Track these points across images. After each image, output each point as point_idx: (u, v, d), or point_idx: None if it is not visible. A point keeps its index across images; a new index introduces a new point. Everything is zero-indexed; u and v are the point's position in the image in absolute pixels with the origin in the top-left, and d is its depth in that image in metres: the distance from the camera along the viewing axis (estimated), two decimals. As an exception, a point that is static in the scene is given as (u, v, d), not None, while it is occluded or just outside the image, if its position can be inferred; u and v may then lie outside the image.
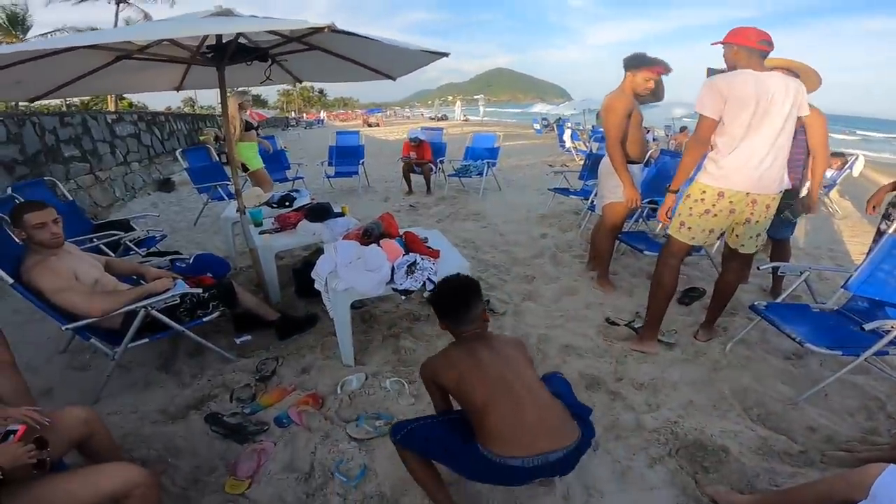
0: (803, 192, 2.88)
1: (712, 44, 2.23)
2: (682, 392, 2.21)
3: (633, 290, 3.33)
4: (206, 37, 2.67)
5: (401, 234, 2.74)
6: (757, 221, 2.29)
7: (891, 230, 2.31)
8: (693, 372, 2.37)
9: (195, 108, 21.92)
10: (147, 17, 23.01)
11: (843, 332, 2.15)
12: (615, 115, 2.91)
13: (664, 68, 2.94)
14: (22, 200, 3.17)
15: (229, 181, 6.11)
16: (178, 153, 6.27)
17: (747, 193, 2.21)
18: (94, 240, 3.43)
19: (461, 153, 7.51)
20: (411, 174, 6.83)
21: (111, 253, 3.40)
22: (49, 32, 20.91)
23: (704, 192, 2.26)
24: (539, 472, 1.38)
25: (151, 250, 3.81)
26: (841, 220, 5.51)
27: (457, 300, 1.54)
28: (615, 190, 3.09)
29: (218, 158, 6.91)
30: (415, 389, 2.24)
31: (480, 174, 6.73)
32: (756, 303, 2.34)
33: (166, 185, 8.11)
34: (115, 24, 22.02)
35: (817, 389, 2.10)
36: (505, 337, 1.72)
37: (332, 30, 1.90)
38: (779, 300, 2.54)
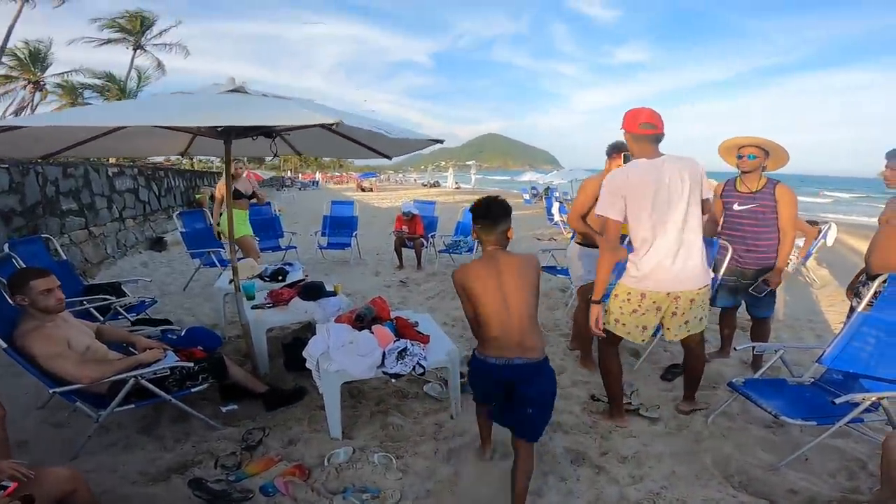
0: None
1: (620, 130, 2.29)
2: (666, 464, 2.24)
3: (617, 367, 3.39)
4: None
5: (392, 318, 2.87)
6: (683, 313, 2.32)
7: (860, 308, 2.44)
8: (676, 444, 2.40)
9: (193, 162, 22.23)
10: (160, 64, 24.33)
11: (819, 402, 2.23)
12: (584, 193, 3.17)
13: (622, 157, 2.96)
14: (19, 261, 3.26)
15: (223, 248, 6.25)
16: (175, 216, 6.34)
17: (668, 293, 2.26)
18: (85, 303, 3.47)
19: (452, 225, 7.74)
20: (403, 248, 7.00)
21: (100, 317, 3.43)
22: (66, 72, 21.92)
23: (629, 293, 2.32)
24: (504, 371, 1.82)
25: (141, 316, 3.83)
26: (819, 290, 5.70)
27: (488, 212, 1.89)
28: (588, 272, 3.21)
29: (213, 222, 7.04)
30: (402, 465, 2.23)
31: (470, 250, 6.91)
32: (734, 379, 2.45)
33: (158, 245, 8.12)
34: (130, 69, 23.26)
35: (797, 455, 2.16)
36: (519, 257, 1.94)
37: (342, 128, 2.03)
38: (757, 375, 2.63)
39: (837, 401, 1.99)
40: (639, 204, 2.14)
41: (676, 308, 2.30)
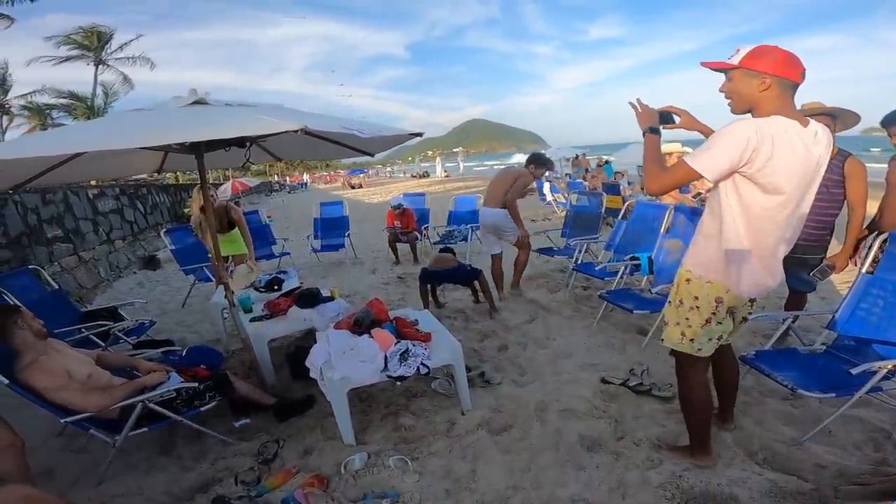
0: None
1: (712, 67, 1.66)
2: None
3: (624, 347, 3.37)
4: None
5: (391, 319, 2.83)
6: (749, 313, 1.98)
7: (863, 268, 2.42)
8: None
9: (178, 175, 21.81)
10: (127, 79, 23.70)
11: (834, 372, 2.19)
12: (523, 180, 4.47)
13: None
14: (11, 297, 3.19)
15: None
16: (162, 233, 6.24)
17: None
18: (83, 330, 3.41)
19: (444, 216, 7.68)
20: (397, 243, 6.95)
21: (101, 342, 3.37)
22: (30, 93, 21.38)
23: (697, 297, 1.79)
24: None
25: (142, 339, 3.78)
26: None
27: None
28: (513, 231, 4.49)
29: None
30: (418, 466, 2.20)
31: (465, 240, 6.85)
32: (745, 352, 2.38)
33: (152, 263, 8.01)
34: (95, 86, 22.61)
35: (820, 428, 2.12)
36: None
37: (305, 132, 1.84)
38: (768, 346, 2.59)
39: (854, 371, 1.94)
40: (783, 174, 1.56)
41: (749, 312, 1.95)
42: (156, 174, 4.41)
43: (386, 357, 2.48)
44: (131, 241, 8.47)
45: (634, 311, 3.32)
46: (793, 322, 2.54)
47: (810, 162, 1.58)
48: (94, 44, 22.43)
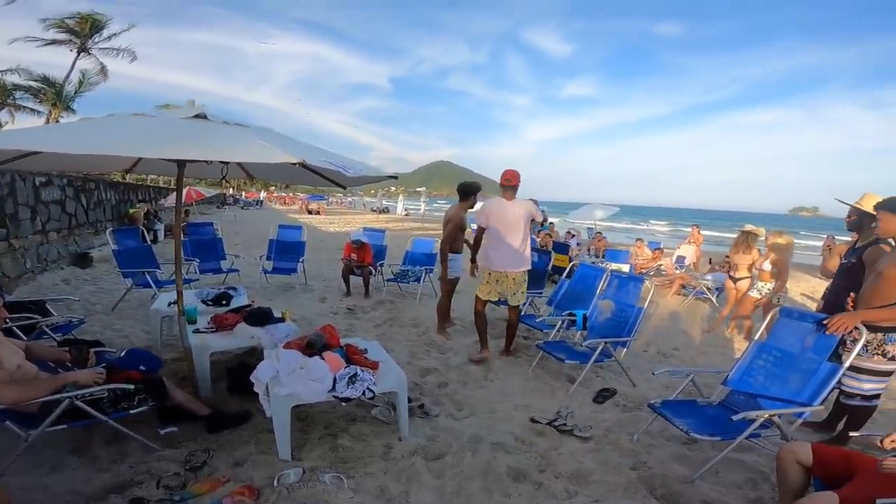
0: None
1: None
2: (597, 478, 2.46)
3: (554, 392, 3.66)
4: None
5: (342, 345, 2.96)
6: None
7: (757, 336, 2.89)
8: (607, 461, 2.64)
9: (126, 175, 20.79)
10: (104, 69, 22.70)
11: (723, 420, 2.55)
12: (453, 223, 4.76)
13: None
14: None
15: (159, 268, 5.98)
16: (108, 233, 6.01)
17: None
18: (9, 321, 3.23)
19: (401, 253, 7.84)
20: (351, 275, 7.00)
21: (23, 336, 3.21)
22: (4, 71, 20.14)
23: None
24: None
25: (68, 337, 3.61)
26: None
27: None
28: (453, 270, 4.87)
29: (148, 241, 6.70)
30: (353, 484, 2.29)
31: (418, 280, 7.00)
32: (653, 401, 2.75)
33: (83, 261, 7.60)
34: (70, 71, 21.64)
35: (707, 468, 2.44)
36: None
37: (303, 165, 2.00)
38: (672, 397, 2.95)
39: (734, 418, 2.32)
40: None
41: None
42: (124, 173, 4.38)
43: (335, 378, 2.59)
44: (66, 235, 8.00)
45: (566, 361, 3.69)
46: (695, 378, 2.93)
47: None
48: (85, 31, 21.62)
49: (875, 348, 2.60)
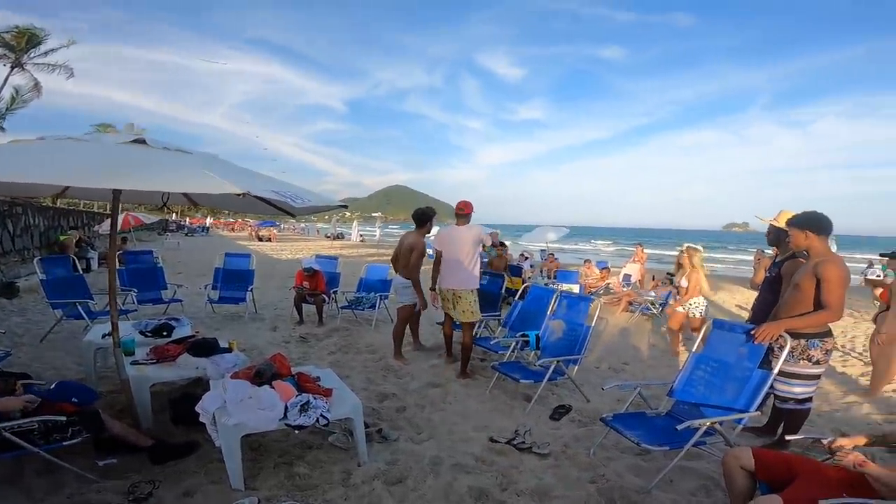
0: None
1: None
2: (558, 493, 2.50)
3: (511, 411, 3.69)
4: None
5: (293, 374, 2.89)
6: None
7: (694, 348, 3.07)
8: (566, 476, 2.69)
9: (57, 200, 19.23)
10: (38, 85, 21.37)
11: (670, 430, 2.66)
12: (417, 251, 4.91)
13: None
14: None
15: (92, 299, 5.57)
16: (35, 262, 5.59)
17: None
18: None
19: (355, 280, 7.71)
20: (303, 304, 6.81)
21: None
22: None
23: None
24: None
25: (-9, 370, 3.27)
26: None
27: None
28: (407, 297, 4.96)
29: (81, 270, 6.25)
30: (311, 512, 2.20)
31: (373, 307, 6.89)
32: (604, 415, 2.86)
33: (9, 291, 7.01)
34: (1, 87, 20.27)
35: (661, 477, 2.54)
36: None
37: (249, 195, 1.90)
38: (622, 410, 3.06)
39: (679, 427, 2.45)
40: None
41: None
42: (54, 197, 4.12)
43: (286, 407, 2.51)
44: (-10, 264, 7.30)
45: (521, 381, 3.77)
46: (644, 390, 3.07)
47: None
48: (21, 45, 20.32)
49: (800, 354, 2.81)
